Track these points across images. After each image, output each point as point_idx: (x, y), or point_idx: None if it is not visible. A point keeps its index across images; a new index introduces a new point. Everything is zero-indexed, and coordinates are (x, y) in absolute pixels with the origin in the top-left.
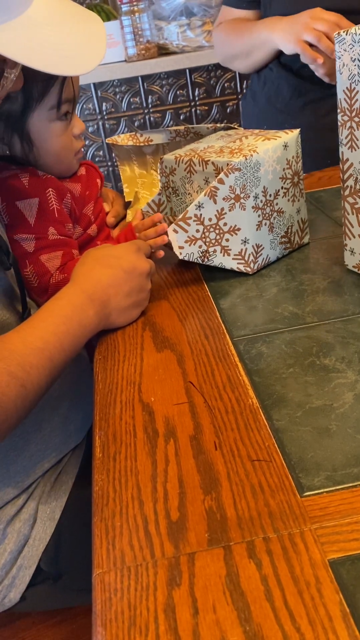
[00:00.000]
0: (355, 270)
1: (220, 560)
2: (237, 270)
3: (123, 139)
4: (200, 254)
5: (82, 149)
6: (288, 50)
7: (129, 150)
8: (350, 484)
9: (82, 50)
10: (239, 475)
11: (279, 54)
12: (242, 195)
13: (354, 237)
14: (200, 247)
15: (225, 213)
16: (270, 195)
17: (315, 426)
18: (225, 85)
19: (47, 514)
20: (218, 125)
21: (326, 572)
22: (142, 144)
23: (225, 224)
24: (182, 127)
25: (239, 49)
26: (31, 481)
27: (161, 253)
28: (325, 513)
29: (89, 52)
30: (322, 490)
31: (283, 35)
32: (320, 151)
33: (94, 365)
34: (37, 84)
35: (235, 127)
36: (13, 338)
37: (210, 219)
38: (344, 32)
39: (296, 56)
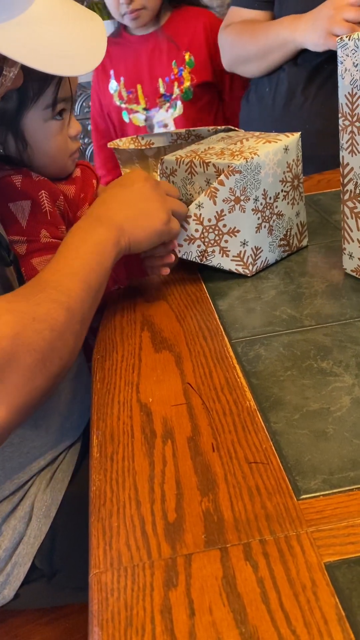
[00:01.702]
0: (354, 274)
1: (217, 561)
2: (235, 272)
3: (125, 142)
4: (199, 254)
5: (79, 150)
6: (318, 48)
7: (131, 153)
8: (347, 488)
9: (82, 50)
10: (236, 477)
11: (297, 54)
12: (242, 198)
13: (353, 241)
14: (199, 246)
15: (225, 215)
16: (270, 198)
17: (313, 429)
18: None
19: (42, 511)
20: (219, 127)
21: (322, 575)
22: (143, 147)
23: (224, 226)
24: (183, 130)
25: (253, 51)
26: (27, 478)
27: (167, 270)
28: (321, 516)
29: (88, 52)
30: (318, 494)
31: (308, 33)
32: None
33: (92, 365)
34: (32, 83)
35: (235, 128)
36: (43, 273)
37: (209, 220)
38: (346, 37)
39: (313, 55)
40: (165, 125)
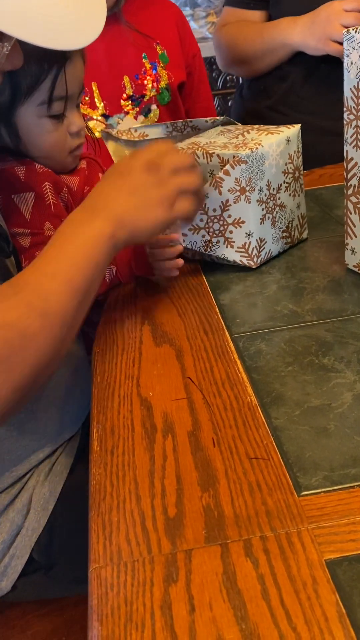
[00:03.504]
0: (356, 269)
1: (217, 557)
2: (239, 263)
3: (117, 132)
4: (203, 244)
5: (82, 146)
6: (317, 52)
7: (123, 144)
8: (348, 485)
9: (79, 23)
10: (236, 472)
11: (294, 55)
12: (247, 188)
13: (356, 236)
14: (203, 236)
15: (230, 205)
16: (273, 189)
17: (314, 425)
18: (227, 78)
19: (40, 504)
20: (217, 118)
21: (323, 573)
22: (136, 139)
23: (229, 216)
24: (179, 121)
25: (249, 53)
26: (26, 471)
27: (176, 272)
28: (322, 513)
29: (86, 24)
30: (319, 490)
31: (305, 37)
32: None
33: (92, 358)
34: (25, 77)
35: (234, 121)
36: (25, 272)
37: (214, 210)
38: (353, 29)
39: (310, 55)
40: None
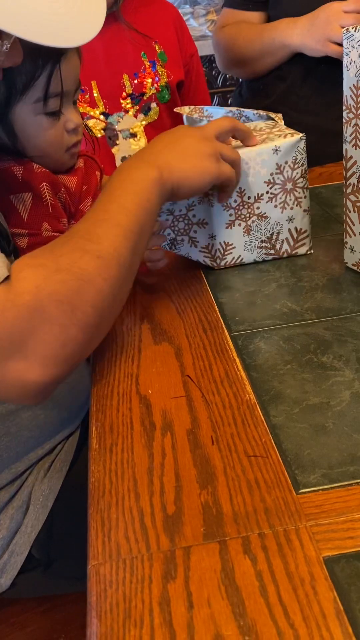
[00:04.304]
0: (355, 268)
1: (216, 554)
2: (202, 262)
3: (185, 109)
4: (169, 242)
5: (80, 144)
6: (316, 54)
7: (195, 121)
8: (346, 482)
9: (79, 20)
10: (235, 470)
11: (293, 55)
12: (209, 192)
13: (355, 235)
14: (168, 234)
15: (195, 206)
16: (248, 197)
17: (312, 423)
18: (227, 76)
19: (40, 501)
20: (268, 113)
21: (321, 570)
22: (204, 118)
23: (194, 216)
24: (234, 109)
25: (248, 55)
26: (25, 468)
27: (162, 262)
28: (320, 510)
29: (86, 21)
30: (317, 488)
31: (304, 39)
32: (332, 155)
33: (91, 356)
34: (20, 75)
35: (274, 118)
36: (79, 222)
37: (180, 210)
38: (352, 28)
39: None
40: (134, 136)
